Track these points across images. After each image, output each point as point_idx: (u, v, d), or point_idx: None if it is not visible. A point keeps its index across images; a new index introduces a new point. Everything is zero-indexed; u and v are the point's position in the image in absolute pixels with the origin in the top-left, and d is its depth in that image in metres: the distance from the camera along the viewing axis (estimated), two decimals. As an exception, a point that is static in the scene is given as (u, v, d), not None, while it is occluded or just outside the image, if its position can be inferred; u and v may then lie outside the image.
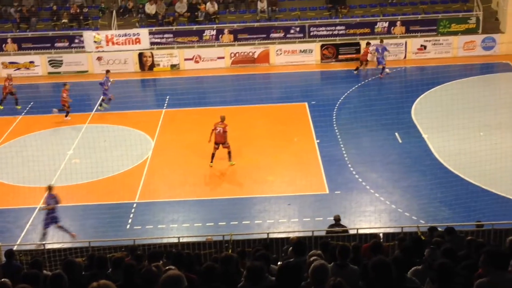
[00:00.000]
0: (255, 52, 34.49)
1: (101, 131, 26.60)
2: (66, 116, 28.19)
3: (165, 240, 17.26)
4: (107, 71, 29.98)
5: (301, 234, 17.01)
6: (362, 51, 33.33)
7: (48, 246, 17.10)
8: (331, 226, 17.38)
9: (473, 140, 23.64)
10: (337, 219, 17.59)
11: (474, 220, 17.22)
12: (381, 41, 32.78)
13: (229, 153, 23.33)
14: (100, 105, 29.31)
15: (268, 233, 16.96)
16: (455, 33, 34.60)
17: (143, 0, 36.46)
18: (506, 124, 25.25)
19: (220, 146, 23.17)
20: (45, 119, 28.13)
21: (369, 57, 32.77)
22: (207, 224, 20.03)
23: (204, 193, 22.06)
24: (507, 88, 28.95)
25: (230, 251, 15.09)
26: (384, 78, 31.77)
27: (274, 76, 32.77)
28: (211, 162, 23.30)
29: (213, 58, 34.52)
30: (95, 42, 34.28)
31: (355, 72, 32.47)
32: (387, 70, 32.15)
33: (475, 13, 34.84)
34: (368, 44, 33.02)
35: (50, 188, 19.26)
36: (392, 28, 34.79)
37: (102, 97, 29.22)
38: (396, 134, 25.46)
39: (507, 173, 21.55)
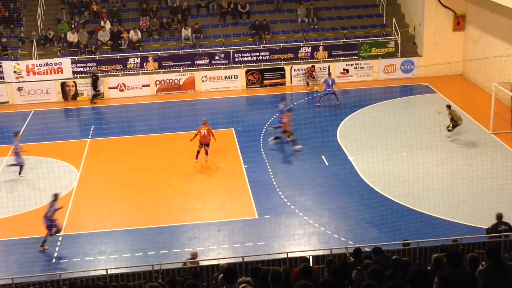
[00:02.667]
0: (180, 79, 34.44)
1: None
2: (295, 144, 26.71)
3: (92, 273, 16.83)
4: (283, 99, 29.50)
5: (231, 261, 16.94)
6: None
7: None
8: (495, 225, 17.19)
9: (396, 161, 24.31)
10: (500, 217, 17.41)
11: (401, 239, 17.58)
12: (329, 74, 33.08)
13: (206, 152, 25.16)
14: (289, 137, 26.87)
15: (198, 261, 16.82)
16: (375, 57, 35.58)
17: (64, 29, 35.90)
18: (427, 145, 26.04)
19: (204, 146, 25.07)
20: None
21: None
22: (136, 254, 19.67)
23: (133, 223, 21.69)
24: (426, 110, 29.91)
25: (159, 280, 14.87)
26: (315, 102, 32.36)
27: (200, 102, 32.76)
28: (196, 158, 25.21)
29: (138, 86, 34.26)
30: (15, 72, 33.42)
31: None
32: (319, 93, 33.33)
33: (394, 38, 35.96)
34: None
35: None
36: (315, 52, 35.49)
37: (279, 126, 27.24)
38: (323, 157, 25.82)
39: (429, 192, 22.18)
